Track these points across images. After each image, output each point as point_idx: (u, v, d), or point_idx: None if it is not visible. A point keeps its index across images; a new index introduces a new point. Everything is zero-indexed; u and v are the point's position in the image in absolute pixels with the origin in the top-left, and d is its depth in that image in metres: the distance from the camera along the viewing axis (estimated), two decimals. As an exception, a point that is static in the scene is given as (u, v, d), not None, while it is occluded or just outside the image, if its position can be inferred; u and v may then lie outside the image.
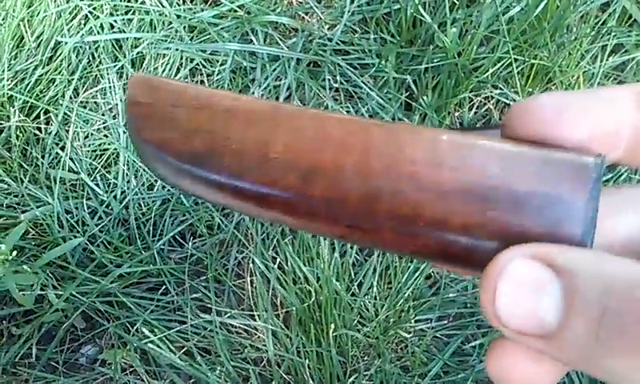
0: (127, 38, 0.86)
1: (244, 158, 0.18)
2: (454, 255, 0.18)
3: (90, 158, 0.83)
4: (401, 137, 0.18)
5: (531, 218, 0.16)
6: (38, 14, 0.86)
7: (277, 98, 0.83)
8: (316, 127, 0.18)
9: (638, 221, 0.18)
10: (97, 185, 0.82)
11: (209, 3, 0.88)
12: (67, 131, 0.83)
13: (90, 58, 0.86)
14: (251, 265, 0.76)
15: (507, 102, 0.82)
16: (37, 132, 0.84)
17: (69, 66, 0.85)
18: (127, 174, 0.82)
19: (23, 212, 0.79)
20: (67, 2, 0.86)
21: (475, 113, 0.83)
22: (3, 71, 0.84)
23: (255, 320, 0.75)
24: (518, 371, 0.17)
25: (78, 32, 0.86)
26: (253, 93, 0.83)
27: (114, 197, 0.81)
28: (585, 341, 0.14)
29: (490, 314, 0.15)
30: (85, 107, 0.85)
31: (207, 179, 0.18)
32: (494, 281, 0.15)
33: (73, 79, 0.85)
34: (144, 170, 0.81)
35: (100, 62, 0.86)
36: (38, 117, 0.85)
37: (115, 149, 0.83)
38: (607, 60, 0.82)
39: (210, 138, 0.18)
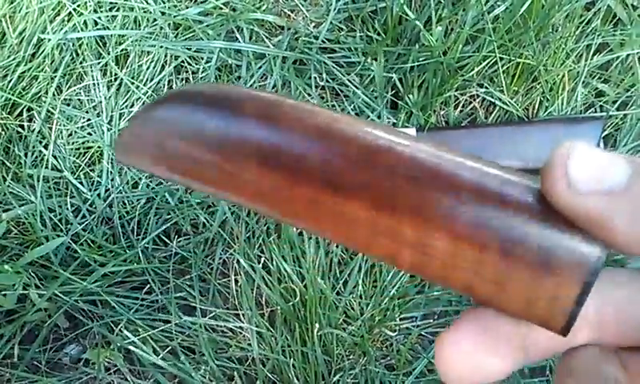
0: (111, 35, 0.85)
1: None
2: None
3: (74, 155, 0.82)
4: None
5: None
6: (20, 10, 0.85)
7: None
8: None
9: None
10: (80, 183, 0.81)
11: (194, 0, 0.87)
12: (50, 129, 0.83)
13: (74, 55, 0.85)
14: (236, 264, 0.75)
15: (492, 100, 0.82)
16: (19, 129, 0.83)
17: (52, 63, 0.85)
18: (111, 172, 0.81)
19: (5, 211, 0.78)
20: (50, -2, 0.86)
21: (461, 111, 0.83)
22: (-15, 68, 0.83)
23: (240, 319, 0.74)
24: (470, 362, 0.17)
25: (61, 28, 0.85)
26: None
27: (98, 195, 0.80)
28: None
29: (561, 176, 0.16)
30: (68, 104, 0.84)
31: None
32: (567, 152, 0.16)
33: (56, 76, 0.84)
34: (128, 168, 0.81)
35: (83, 59, 0.85)
36: (20, 114, 0.84)
37: (99, 146, 0.82)
38: (592, 59, 0.83)
39: None
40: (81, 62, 0.85)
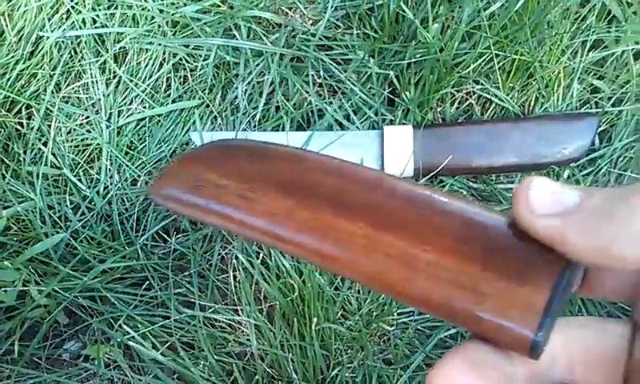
0: (110, 33, 0.85)
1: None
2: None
3: (73, 153, 0.83)
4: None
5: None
6: (19, 7, 0.85)
7: (260, 94, 0.83)
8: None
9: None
10: (79, 180, 0.81)
11: (192, -2, 0.87)
12: (49, 126, 0.83)
13: (72, 53, 0.86)
14: (234, 260, 0.76)
15: (488, 97, 0.82)
16: (18, 127, 0.84)
17: (50, 60, 0.85)
18: (110, 170, 0.81)
19: (5, 208, 0.78)
20: (49, -3, 0.86)
21: (457, 108, 0.84)
22: (-16, 66, 0.83)
23: (239, 314, 0.75)
24: None
25: (60, 26, 0.85)
26: (236, 88, 0.83)
27: (97, 192, 0.81)
28: (600, 207, 0.18)
29: (523, 202, 0.20)
30: (67, 102, 0.85)
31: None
32: (527, 184, 0.20)
33: (54, 74, 0.84)
34: (127, 165, 0.81)
35: (82, 57, 0.85)
36: (19, 112, 0.84)
37: (98, 144, 0.83)
38: (587, 55, 0.83)
39: None
40: (79, 60, 0.85)
